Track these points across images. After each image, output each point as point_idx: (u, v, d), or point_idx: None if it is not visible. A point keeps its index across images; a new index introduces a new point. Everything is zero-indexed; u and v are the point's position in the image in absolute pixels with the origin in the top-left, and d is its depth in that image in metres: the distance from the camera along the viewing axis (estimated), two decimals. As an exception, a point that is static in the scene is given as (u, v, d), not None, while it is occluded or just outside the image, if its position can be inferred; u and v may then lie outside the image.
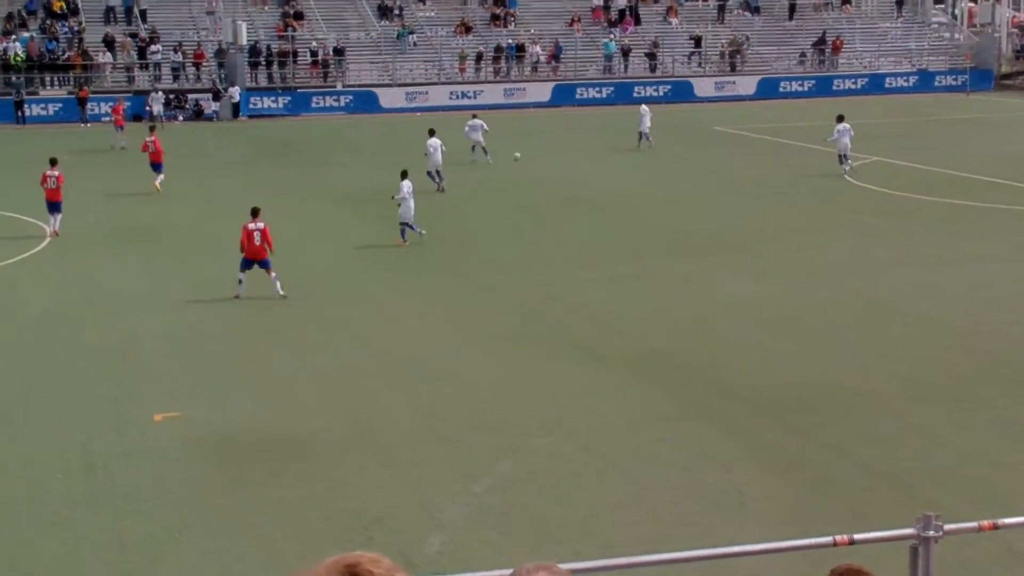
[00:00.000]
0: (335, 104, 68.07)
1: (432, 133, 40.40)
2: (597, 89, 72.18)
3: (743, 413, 18.67)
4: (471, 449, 17.27)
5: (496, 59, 72.73)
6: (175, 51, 67.83)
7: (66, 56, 66.16)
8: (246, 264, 25.95)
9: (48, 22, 67.96)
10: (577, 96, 71.32)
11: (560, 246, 31.46)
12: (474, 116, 48.53)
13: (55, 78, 66.07)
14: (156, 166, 41.32)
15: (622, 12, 77.75)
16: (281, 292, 25.68)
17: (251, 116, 65.21)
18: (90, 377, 20.71)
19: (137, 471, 16.51)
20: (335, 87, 69.19)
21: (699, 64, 75.60)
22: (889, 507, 15.09)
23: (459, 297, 26.17)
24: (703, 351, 21.91)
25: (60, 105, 63.35)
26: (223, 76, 66.73)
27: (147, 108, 61.11)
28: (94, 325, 24.04)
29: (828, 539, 7.54)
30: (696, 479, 16.19)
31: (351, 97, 68.47)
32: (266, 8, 73.68)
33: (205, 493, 15.79)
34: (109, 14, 70.29)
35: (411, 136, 55.57)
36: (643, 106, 53.16)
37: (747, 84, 73.66)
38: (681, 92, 72.38)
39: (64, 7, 69.18)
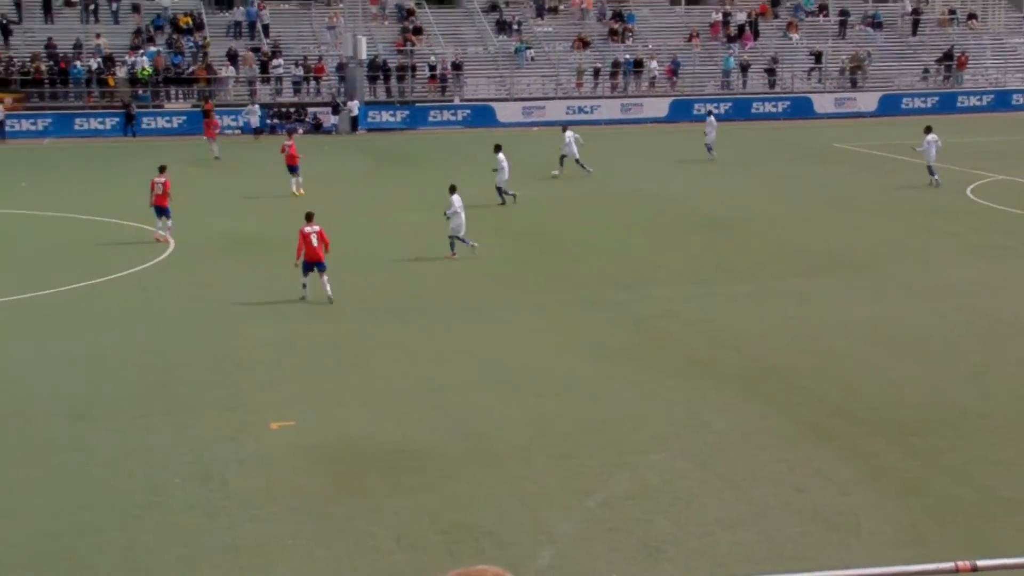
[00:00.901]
0: (452, 118, 68.48)
1: (498, 149, 40.48)
2: (715, 105, 71.67)
3: (861, 434, 18.33)
4: (584, 464, 17.16)
5: (613, 74, 72.64)
6: (296, 65, 68.75)
7: (191, 70, 67.40)
8: (307, 267, 26.60)
9: (174, 37, 69.31)
10: (694, 112, 70.83)
11: (675, 262, 31.25)
12: (565, 129, 48.38)
13: (180, 91, 67.32)
14: (292, 169, 42.53)
15: (741, 27, 77.19)
16: (330, 295, 26.35)
17: (369, 130, 65.83)
18: (207, 385, 20.99)
19: (252, 478, 16.66)
20: (452, 101, 69.60)
21: (819, 80, 74.79)
22: (1012, 533, 14.70)
23: (573, 311, 26.09)
24: (820, 371, 21.58)
25: (184, 118, 64.51)
26: (342, 90, 67.48)
27: (245, 121, 61.68)
28: (212, 333, 24.38)
29: (950, 565, 7.35)
30: (812, 500, 15.92)
31: (468, 111, 68.83)
32: (386, 23, 74.41)
33: (319, 501, 15.88)
34: (233, 29, 71.50)
35: (527, 150, 55.77)
36: (711, 118, 53.45)
37: (868, 100, 72.71)
38: (800, 108, 71.67)
39: (190, 22, 70.54)
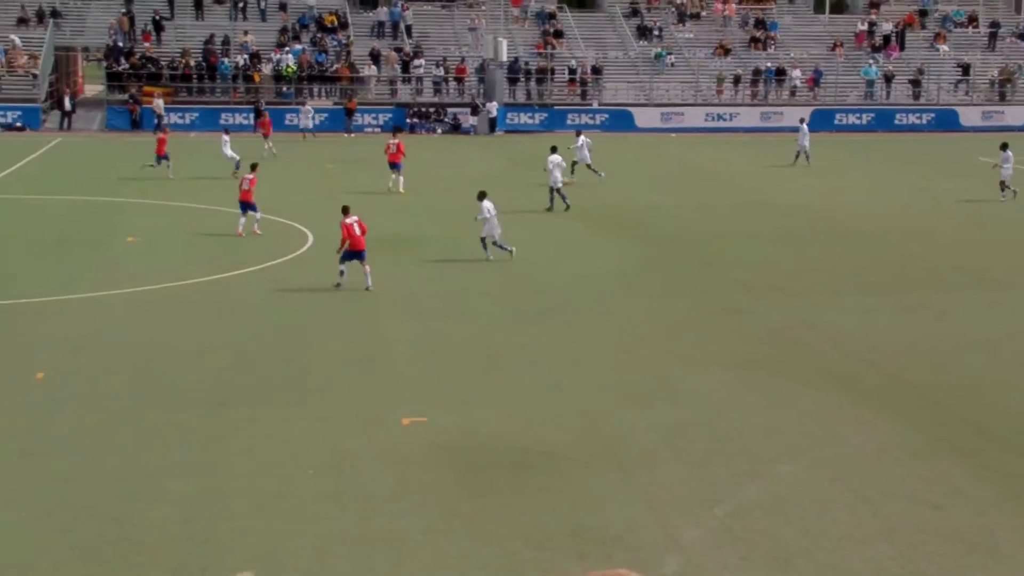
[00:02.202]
0: (590, 122, 68.42)
1: (554, 150, 40.21)
2: (857, 115, 70.74)
3: (1001, 454, 17.94)
4: (714, 472, 17.05)
5: (754, 82, 72.02)
6: (437, 66, 69.33)
7: (334, 68, 68.37)
8: (348, 256, 27.71)
9: (319, 35, 70.39)
10: (836, 122, 70.04)
11: (809, 272, 30.88)
12: (579, 134, 48.13)
13: (323, 89, 68.32)
14: (394, 166, 43.03)
15: (887, 37, 75.99)
16: (370, 285, 27.50)
17: (507, 131, 66.15)
18: (342, 379, 21.26)
19: (383, 473, 16.84)
20: (591, 105, 69.59)
21: (966, 92, 73.27)
22: None
23: (705, 319, 25.93)
24: (959, 388, 21.17)
25: (326, 115, 65.45)
26: (482, 91, 67.88)
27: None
28: (347, 328, 24.70)
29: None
30: (948, 518, 15.61)
31: (607, 115, 68.79)
32: (526, 26, 74.67)
33: (448, 498, 16.00)
34: (377, 28, 72.36)
35: (666, 156, 55.59)
36: (804, 126, 53.40)
37: (1018, 114, 71.04)
38: (945, 121, 70.37)
39: (335, 21, 71.58)
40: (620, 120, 68.47)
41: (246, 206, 34.38)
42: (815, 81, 72.02)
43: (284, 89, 67.48)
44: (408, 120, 66.34)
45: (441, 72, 69.18)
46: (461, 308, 26.66)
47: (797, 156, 52.35)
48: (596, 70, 70.57)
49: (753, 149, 56.66)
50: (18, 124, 62.83)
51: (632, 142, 63.24)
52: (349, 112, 64.58)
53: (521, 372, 21.86)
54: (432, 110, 67.45)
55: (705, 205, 41.81)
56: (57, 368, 21.55)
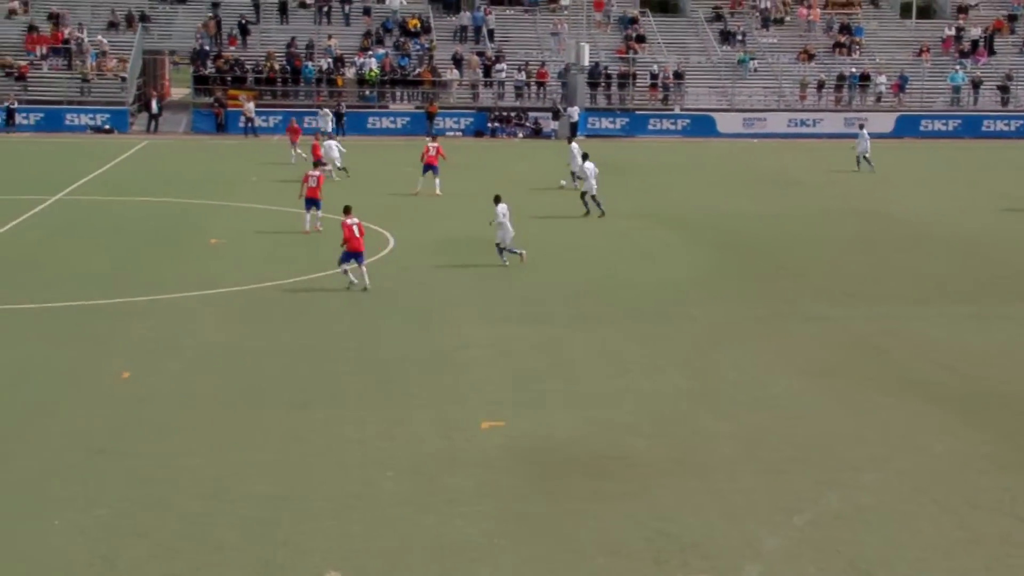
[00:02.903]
0: (672, 127, 68.27)
1: (586, 157, 39.78)
2: (943, 122, 69.89)
3: (1088, 467, 17.61)
4: (794, 480, 16.89)
5: (838, 88, 71.38)
6: (519, 70, 69.42)
7: (416, 72, 68.69)
8: (346, 257, 28.17)
9: (402, 40, 70.78)
10: (921, 128, 69.28)
11: (892, 279, 30.54)
12: (570, 141, 47.85)
13: (404, 93, 68.69)
14: (431, 168, 43.51)
15: (975, 43, 74.98)
16: (368, 284, 27.87)
17: (588, 136, 66.03)
18: (421, 382, 21.34)
19: (461, 476, 16.87)
20: (673, 110, 69.35)
21: (1057, 98, 72.16)
22: None
23: (786, 325, 25.72)
24: (1046, 398, 20.81)
25: (408, 119, 65.81)
26: (563, 96, 67.87)
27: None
28: (426, 332, 24.78)
29: None
30: (1033, 532, 15.35)
31: (688, 121, 68.53)
32: (608, 30, 74.56)
33: (526, 502, 15.98)
34: (459, 33, 72.62)
35: (747, 161, 55.25)
36: (863, 131, 53.42)
37: (1108, 121, 69.83)
38: (1034, 127, 69.33)
39: (418, 25, 71.95)
40: (702, 125, 68.16)
41: (312, 203, 35.29)
42: (900, 87, 71.25)
43: (367, 93, 67.93)
44: (489, 124, 66.54)
45: (523, 76, 69.28)
46: (538, 312, 26.65)
47: (859, 161, 52.17)
48: (678, 75, 70.32)
49: (836, 155, 56.09)
50: (107, 126, 63.76)
51: (713, 148, 62.93)
52: (430, 116, 64.86)
53: (598, 376, 21.81)
54: (513, 114, 67.56)
55: (786, 211, 41.49)
56: (142, 367, 21.83)
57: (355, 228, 28.06)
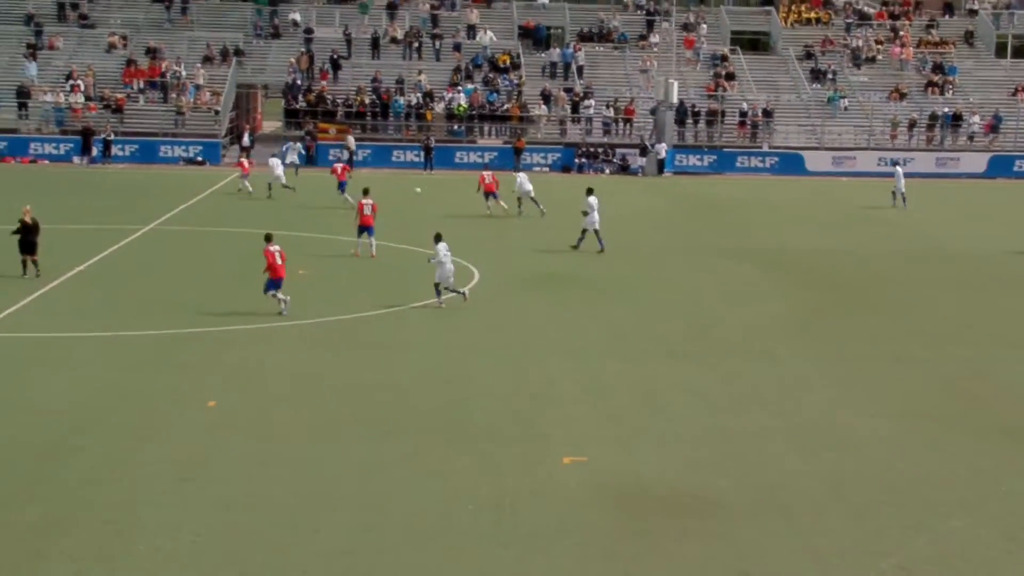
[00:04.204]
0: (760, 165, 67.91)
1: (590, 192, 39.49)
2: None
3: None
4: (880, 524, 16.63)
5: (930, 127, 70.62)
6: (607, 107, 69.49)
7: (505, 108, 69.00)
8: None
9: (491, 75, 71.15)
10: (1015, 168, 68.32)
11: (985, 322, 30.10)
12: (518, 171, 49.98)
13: (492, 128, 69.00)
14: (491, 195, 46.61)
15: (1072, 83, 73.86)
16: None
17: (675, 173, 65.93)
18: (504, 416, 21.32)
19: (543, 512, 16.81)
20: (761, 148, 69.01)
21: None
22: None
23: (874, 366, 25.40)
24: None
25: (495, 154, 66.05)
26: (652, 132, 67.81)
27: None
28: (510, 365, 24.78)
29: None
30: None
31: (776, 159, 68.14)
32: (698, 68, 74.45)
33: (608, 540, 15.89)
34: (549, 69, 72.87)
35: (836, 200, 54.78)
36: (898, 168, 54.47)
37: None
38: None
39: (508, 61, 72.27)
40: (790, 163, 67.74)
41: (365, 229, 36.55)
42: (993, 127, 70.32)
43: (455, 127, 68.36)
44: (576, 160, 66.61)
45: (611, 113, 69.33)
46: (623, 348, 26.56)
47: (895, 197, 52.70)
48: (767, 113, 69.98)
49: (927, 195, 55.49)
50: (199, 159, 64.68)
51: (802, 186, 62.49)
52: (517, 151, 65.09)
53: (683, 415, 21.66)
54: (601, 150, 67.61)
55: (875, 250, 41.05)
56: (228, 396, 22.04)
57: (277, 255, 28.65)
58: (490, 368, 24.57)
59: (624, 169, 66.53)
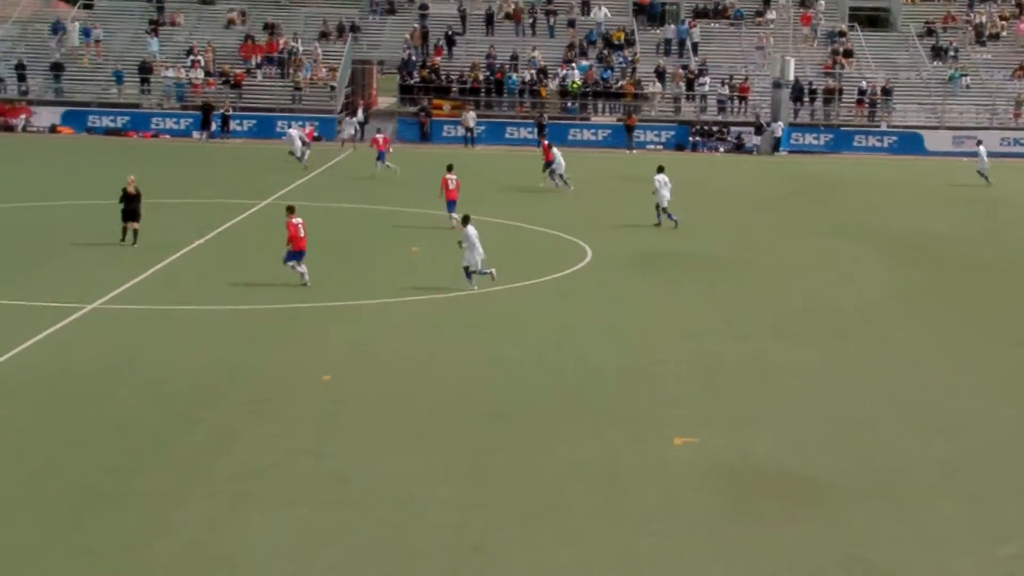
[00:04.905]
0: (878, 144, 66.89)
1: (660, 170, 39.21)
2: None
3: None
4: (997, 510, 16.38)
5: (1056, 105, 68.99)
6: (722, 84, 68.91)
7: (619, 85, 68.73)
8: (291, 256, 29.04)
9: (606, 52, 70.90)
10: None
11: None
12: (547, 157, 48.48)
13: (607, 105, 68.79)
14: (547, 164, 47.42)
15: None
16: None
17: (791, 151, 65.20)
18: (615, 395, 21.33)
19: (653, 491, 16.81)
20: (879, 127, 67.95)
21: None
22: None
23: (994, 350, 24.99)
24: None
25: (609, 131, 65.91)
26: (767, 111, 67.09)
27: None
28: (621, 345, 24.77)
29: None
30: None
31: (895, 138, 67.08)
32: (815, 45, 73.48)
33: (717, 520, 15.85)
34: (663, 46, 72.44)
35: (956, 180, 53.78)
36: (981, 147, 54.27)
37: None
38: None
39: (622, 38, 71.96)
40: (909, 143, 66.63)
41: (453, 204, 37.10)
42: (1125, 105, 68.54)
43: (569, 104, 68.27)
44: (691, 138, 66.18)
45: (726, 90, 68.74)
46: (735, 328, 26.41)
47: (982, 176, 52.71)
48: (886, 91, 68.85)
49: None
50: (316, 134, 65.38)
51: (921, 166, 61.47)
52: (629, 129, 64.83)
53: (795, 396, 21.50)
54: (715, 129, 67.07)
55: (995, 232, 40.31)
56: (343, 371, 22.31)
57: (300, 227, 28.96)
58: (601, 347, 24.58)
59: (739, 148, 65.98)
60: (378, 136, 52.58)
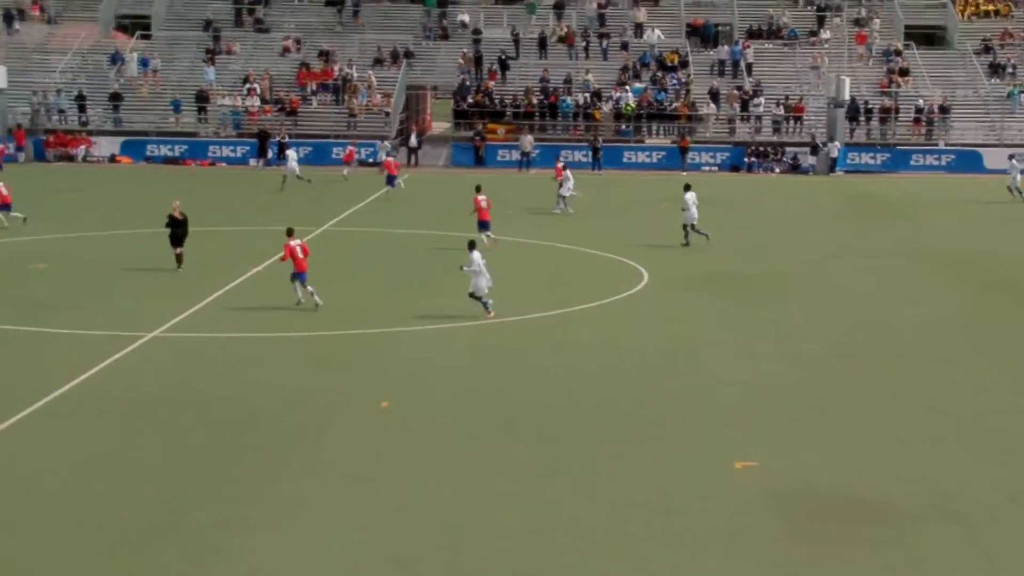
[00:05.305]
0: (935, 163, 66.42)
1: (688, 188, 39.50)
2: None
3: None
4: (1062, 535, 16.17)
5: (1116, 121, 68.19)
6: (777, 104, 68.67)
7: (673, 106, 68.66)
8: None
9: (659, 74, 70.85)
10: None
11: None
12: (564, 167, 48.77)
13: (660, 127, 68.72)
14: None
15: None
16: (320, 302, 29.23)
17: (847, 171, 64.82)
18: (674, 418, 21.24)
19: (713, 515, 16.71)
20: (937, 145, 67.42)
21: None
22: None
23: (1058, 371, 24.70)
24: None
25: (663, 153, 65.86)
26: (823, 130, 66.77)
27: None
28: (678, 367, 24.69)
29: None
30: None
31: (953, 156, 66.56)
32: (870, 64, 73.08)
33: (778, 545, 15.72)
34: (717, 67, 72.30)
35: (1017, 199, 53.21)
36: (1013, 161, 54.28)
37: None
38: None
39: (676, 60, 71.88)
40: (967, 161, 66.07)
41: (484, 225, 38.02)
42: None
43: (623, 127, 68.25)
44: (746, 159, 65.97)
45: (781, 111, 68.48)
46: (794, 349, 26.25)
47: (1010, 191, 52.68)
48: (943, 109, 68.33)
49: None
50: (370, 160, 65.73)
51: (980, 184, 60.89)
52: (683, 150, 64.74)
53: (855, 419, 21.32)
54: (770, 149, 66.82)
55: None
56: (401, 397, 22.35)
57: (297, 249, 29.30)
58: (658, 369, 24.50)
59: (795, 168, 65.68)
60: (390, 160, 54.34)
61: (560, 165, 49.39)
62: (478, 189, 39.38)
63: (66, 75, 71.74)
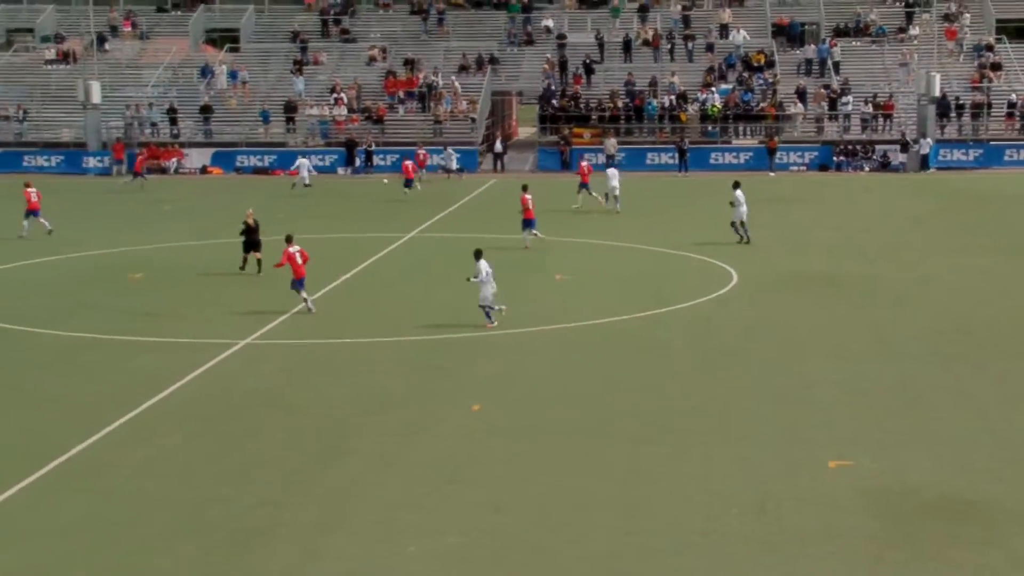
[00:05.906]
0: (1029, 158, 65.35)
1: (737, 186, 39.34)
2: None
3: None
4: None
5: None
6: (866, 102, 67.93)
7: (759, 107, 68.18)
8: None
9: (745, 74, 70.40)
10: None
11: None
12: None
13: (747, 128, 68.29)
14: (584, 186, 48.83)
15: None
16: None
17: (939, 168, 63.95)
18: (766, 418, 21.08)
19: (808, 516, 16.54)
20: (1030, 140, 66.35)
21: None
22: None
23: None
24: None
25: (751, 154, 65.43)
26: (913, 127, 65.95)
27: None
28: (771, 368, 24.50)
29: None
30: None
31: (1048, 151, 65.39)
32: (961, 59, 72.07)
33: (877, 546, 15.52)
34: (804, 66, 71.69)
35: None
36: None
37: None
38: None
39: (762, 60, 71.38)
40: (1061, 155, 64.97)
41: (528, 223, 38.92)
42: None
43: (709, 128, 67.91)
44: (835, 158, 65.33)
45: (869, 109, 67.72)
46: (887, 348, 25.95)
47: None
48: (1037, 103, 67.21)
49: None
50: (456, 166, 65.95)
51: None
52: (771, 151, 64.26)
53: (951, 417, 21.02)
54: (860, 148, 66.10)
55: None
56: (492, 399, 22.42)
57: (296, 256, 29.46)
58: (750, 370, 24.34)
59: (885, 166, 64.92)
60: (407, 163, 55.58)
61: (585, 164, 50.34)
62: (524, 188, 39.86)
63: (158, 89, 72.85)
